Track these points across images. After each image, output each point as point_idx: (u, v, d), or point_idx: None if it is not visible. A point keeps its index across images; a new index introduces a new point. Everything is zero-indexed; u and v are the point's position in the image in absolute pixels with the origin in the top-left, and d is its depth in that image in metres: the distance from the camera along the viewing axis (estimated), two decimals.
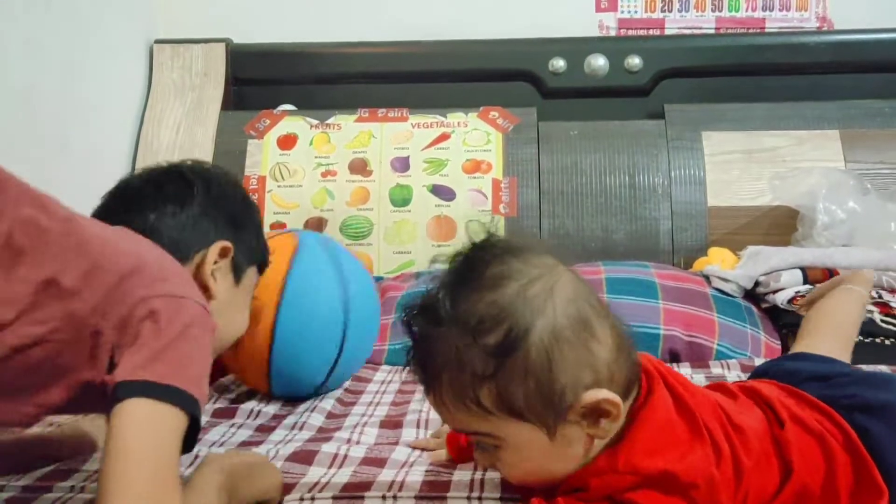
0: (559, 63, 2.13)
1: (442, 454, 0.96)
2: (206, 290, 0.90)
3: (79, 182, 1.83)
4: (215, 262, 0.92)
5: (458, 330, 0.65)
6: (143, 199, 0.91)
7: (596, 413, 0.67)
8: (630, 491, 0.66)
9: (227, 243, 0.93)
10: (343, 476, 0.93)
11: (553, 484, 0.70)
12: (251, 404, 1.26)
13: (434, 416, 1.04)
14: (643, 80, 2.13)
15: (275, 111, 2.13)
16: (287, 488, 0.89)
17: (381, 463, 0.98)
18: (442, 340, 0.66)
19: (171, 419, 0.68)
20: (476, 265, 0.67)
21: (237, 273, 0.96)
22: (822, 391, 0.81)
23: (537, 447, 0.67)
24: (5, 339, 0.68)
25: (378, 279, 1.89)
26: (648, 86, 2.14)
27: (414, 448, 1.03)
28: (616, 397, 0.66)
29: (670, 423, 0.69)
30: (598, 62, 2.13)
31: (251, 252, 0.99)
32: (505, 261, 0.67)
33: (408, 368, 0.70)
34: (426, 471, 0.93)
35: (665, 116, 2.07)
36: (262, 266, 1.03)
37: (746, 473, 0.70)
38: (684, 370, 1.44)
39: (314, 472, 0.95)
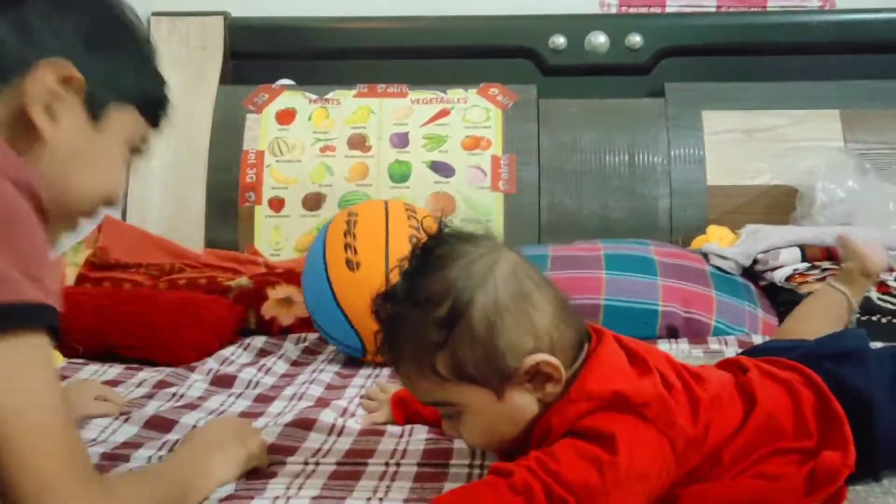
0: (559, 40, 2.12)
1: (378, 417, 1.03)
2: (30, 128, 0.66)
3: None
4: (52, 94, 0.66)
5: (413, 307, 0.74)
6: None
7: (540, 376, 0.73)
8: (585, 417, 0.70)
9: (66, 63, 0.66)
10: (344, 444, 0.94)
11: (508, 447, 0.76)
12: (250, 373, 1.27)
13: None
14: (644, 58, 2.12)
15: (273, 86, 2.12)
16: (288, 450, 0.89)
17: (380, 433, 0.98)
18: (401, 319, 0.75)
19: (36, 352, 0.57)
20: (428, 251, 0.76)
21: (94, 110, 0.70)
22: (791, 355, 0.85)
23: (490, 409, 0.74)
24: None
25: None
26: (649, 64, 2.13)
27: (364, 396, 1.10)
28: (555, 360, 0.73)
29: (620, 362, 0.75)
30: (599, 39, 2.12)
31: (126, 86, 0.72)
32: (452, 244, 0.76)
33: (379, 352, 0.78)
34: (426, 439, 0.94)
35: (665, 95, 2.06)
36: (149, 111, 0.76)
37: (703, 405, 0.74)
38: (682, 346, 1.45)
39: (314, 438, 0.95)
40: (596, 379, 0.72)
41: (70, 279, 1.67)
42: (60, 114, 0.67)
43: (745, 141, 1.99)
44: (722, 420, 0.74)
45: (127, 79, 0.72)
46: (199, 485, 0.76)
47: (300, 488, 0.80)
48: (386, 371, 1.32)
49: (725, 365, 0.85)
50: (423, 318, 0.73)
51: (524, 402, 0.74)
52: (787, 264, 1.62)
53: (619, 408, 0.70)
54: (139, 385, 1.19)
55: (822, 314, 1.16)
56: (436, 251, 0.76)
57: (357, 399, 1.12)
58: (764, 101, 2.02)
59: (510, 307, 0.72)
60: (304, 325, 1.58)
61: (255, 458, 0.84)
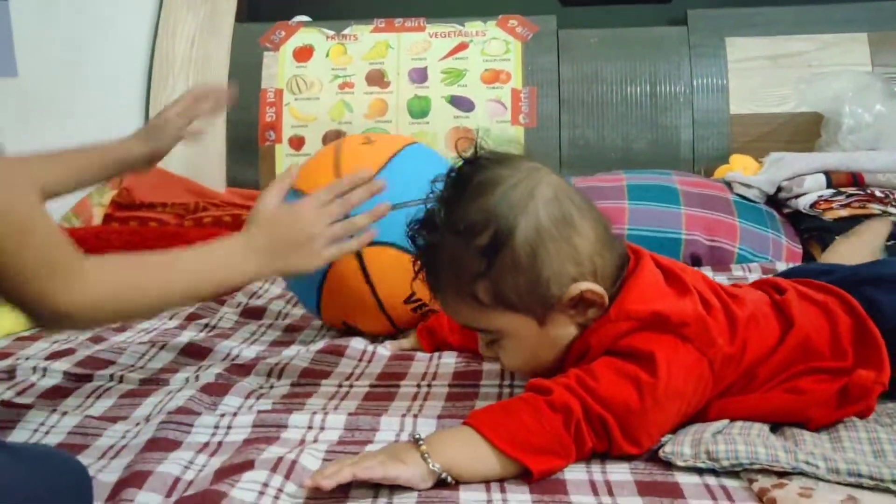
0: None
1: (404, 344, 1.04)
2: None
3: (95, 96, 1.83)
4: None
5: (452, 235, 0.72)
6: None
7: (583, 303, 0.72)
8: (625, 337, 0.70)
9: None
10: (376, 367, 0.96)
11: (546, 371, 0.75)
12: (279, 304, 1.29)
13: None
14: None
15: (290, 22, 2.09)
16: (322, 374, 0.92)
17: (410, 357, 1.00)
18: (440, 247, 0.73)
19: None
20: (465, 177, 0.73)
21: None
22: (829, 278, 0.84)
23: (531, 335, 0.73)
24: None
25: None
26: None
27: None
28: (599, 288, 0.71)
29: (658, 283, 0.74)
30: None
31: None
32: (490, 169, 0.72)
33: (417, 278, 0.76)
34: (456, 362, 0.96)
35: (688, 22, 2.02)
36: None
37: (741, 323, 0.74)
38: (706, 273, 1.45)
39: (346, 364, 0.97)
40: (636, 299, 0.71)
41: (97, 219, 1.69)
42: None
43: (770, 67, 1.95)
44: (758, 339, 0.74)
45: None
46: (220, 276, 0.80)
47: (336, 408, 0.82)
48: None
49: (761, 285, 0.85)
50: (463, 246, 0.71)
51: (565, 327, 0.73)
52: (811, 191, 1.60)
53: (659, 327, 0.69)
54: (171, 318, 1.21)
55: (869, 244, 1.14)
56: (474, 177, 0.72)
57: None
58: (789, 25, 1.98)
59: (553, 233, 0.70)
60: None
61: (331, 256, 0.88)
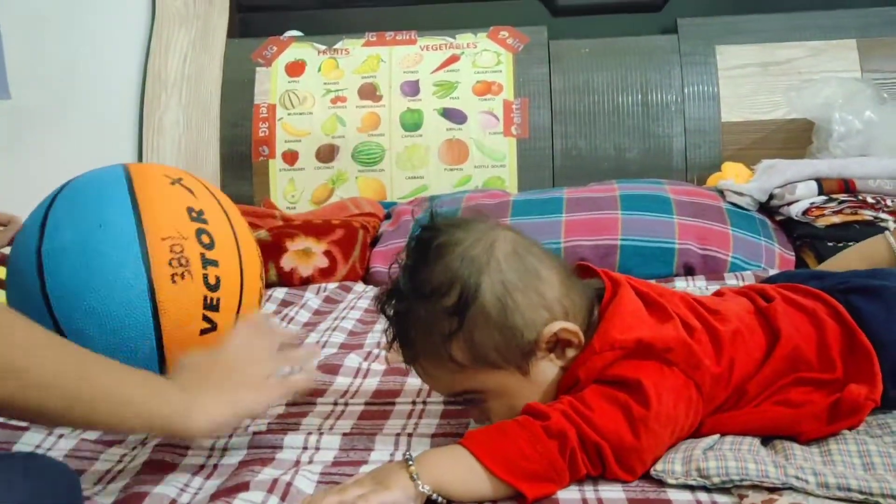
0: None
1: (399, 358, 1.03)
2: None
3: (88, 116, 1.84)
4: None
5: (420, 300, 0.73)
6: None
7: (559, 344, 0.74)
8: (611, 366, 0.71)
9: None
10: (371, 385, 0.96)
11: None
12: (274, 323, 1.29)
13: None
14: None
15: (281, 38, 2.10)
16: (317, 393, 0.92)
17: (404, 373, 1.00)
18: (409, 314, 0.74)
19: None
20: (425, 243, 0.75)
21: None
22: (818, 284, 0.84)
23: (517, 388, 0.74)
24: None
25: (391, 204, 1.90)
26: (661, 0, 2.10)
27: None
28: (572, 325, 0.73)
29: (639, 311, 0.75)
30: None
31: None
32: (447, 232, 0.75)
33: (390, 350, 0.78)
34: None
35: (678, 31, 2.03)
36: None
37: (725, 342, 0.74)
38: (699, 283, 1.46)
39: (341, 382, 0.98)
40: (618, 328, 0.72)
41: None
42: None
43: (761, 75, 1.97)
44: (745, 355, 0.74)
45: None
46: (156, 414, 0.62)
47: (331, 428, 0.83)
48: None
49: (747, 291, 0.84)
50: (432, 309, 0.72)
51: (547, 370, 0.74)
52: (803, 198, 1.61)
53: (644, 355, 0.70)
54: None
55: (861, 257, 1.13)
56: (433, 242, 0.74)
57: (381, 343, 1.15)
58: (779, 33, 1.99)
59: (518, 285, 0.72)
60: (323, 275, 1.60)
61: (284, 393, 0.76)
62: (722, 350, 0.73)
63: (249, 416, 0.76)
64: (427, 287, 0.73)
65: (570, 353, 0.74)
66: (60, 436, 0.83)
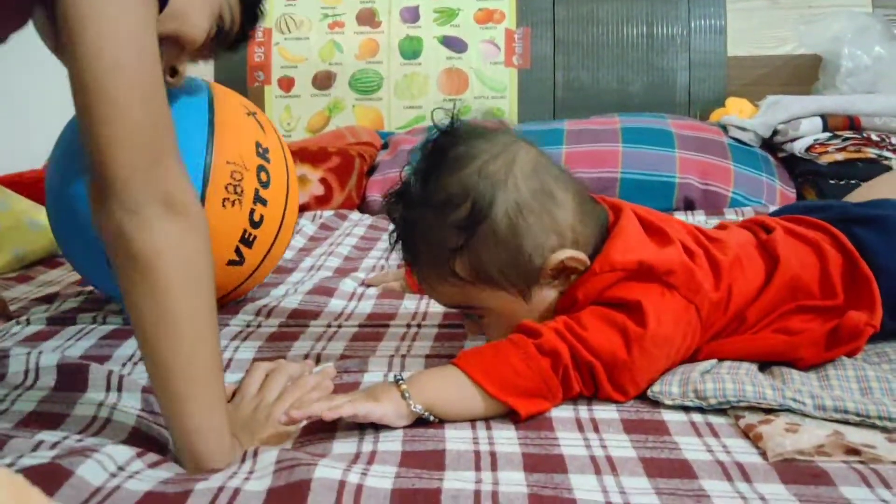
0: None
1: (396, 286, 1.03)
2: None
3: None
4: None
5: (429, 210, 0.70)
6: None
7: (565, 271, 0.71)
8: (611, 288, 0.69)
9: None
10: (365, 308, 0.96)
11: None
12: None
13: None
14: None
15: None
16: (311, 315, 0.91)
17: (399, 297, 1.00)
18: (417, 221, 0.71)
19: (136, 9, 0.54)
20: (442, 149, 0.72)
21: None
22: (821, 215, 0.83)
23: (514, 309, 0.72)
24: None
25: (389, 134, 1.87)
26: None
27: (368, 284, 1.06)
28: (580, 254, 0.70)
29: (640, 234, 0.73)
30: None
31: None
32: (467, 142, 0.71)
33: (393, 251, 0.75)
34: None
35: None
36: None
37: (724, 268, 0.73)
38: (699, 217, 1.45)
39: (336, 304, 0.97)
40: (619, 251, 0.70)
41: None
42: None
43: (770, 9, 1.92)
44: (743, 281, 0.74)
45: None
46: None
47: (324, 348, 0.82)
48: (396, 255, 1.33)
49: (749, 224, 0.84)
50: (441, 221, 0.69)
51: (547, 294, 0.72)
52: (807, 134, 1.59)
53: (644, 277, 0.69)
54: None
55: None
56: (451, 150, 0.71)
57: (377, 268, 1.14)
58: None
59: (532, 205, 0.69)
60: (319, 202, 1.58)
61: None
62: (721, 276, 0.73)
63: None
64: (439, 197, 0.70)
65: (574, 279, 0.72)
66: (40, 352, 0.82)
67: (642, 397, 0.67)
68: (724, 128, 1.68)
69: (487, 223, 0.68)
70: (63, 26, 0.52)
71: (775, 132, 1.64)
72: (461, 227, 0.69)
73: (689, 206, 1.52)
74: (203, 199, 0.86)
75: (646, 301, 0.67)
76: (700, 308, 0.69)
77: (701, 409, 0.64)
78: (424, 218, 0.71)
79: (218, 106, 0.91)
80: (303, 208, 1.57)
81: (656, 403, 0.66)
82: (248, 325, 0.90)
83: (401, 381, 0.64)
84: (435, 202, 0.70)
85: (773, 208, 1.48)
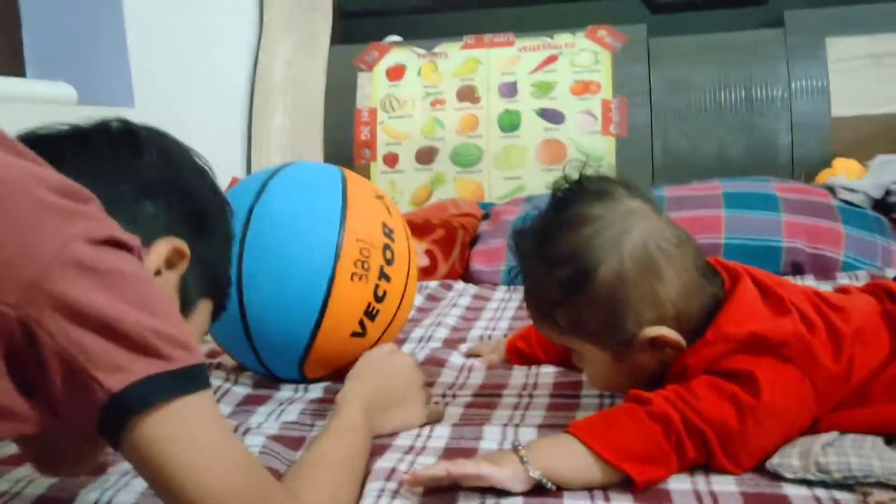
0: None
1: (495, 358, 1.05)
2: None
3: (201, 122, 1.94)
4: (158, 272, 0.60)
5: (539, 263, 0.76)
6: (60, 151, 0.59)
7: (659, 344, 0.73)
8: (723, 359, 0.69)
9: (182, 244, 0.62)
10: (476, 378, 0.98)
11: (642, 389, 0.74)
12: None
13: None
14: None
15: (382, 42, 2.16)
16: (427, 385, 0.95)
17: (508, 368, 1.02)
18: (529, 268, 0.77)
19: (203, 407, 0.53)
20: (564, 206, 0.76)
21: (186, 300, 0.64)
22: None
23: (609, 365, 0.76)
24: None
25: (489, 205, 1.92)
26: None
27: (469, 355, 1.09)
28: (674, 334, 0.72)
29: (756, 302, 0.73)
30: None
31: (211, 275, 0.67)
32: (589, 204, 0.74)
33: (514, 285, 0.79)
34: (555, 372, 0.97)
35: (784, 24, 1.97)
36: (218, 306, 0.70)
37: (846, 339, 0.72)
38: (809, 282, 1.42)
39: (448, 374, 1.00)
40: (733, 321, 0.71)
41: None
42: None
43: (874, 67, 1.88)
44: (866, 354, 0.71)
45: (216, 269, 0.68)
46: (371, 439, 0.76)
47: (440, 419, 0.85)
48: (512, 304, 1.36)
49: (874, 289, 0.81)
50: (547, 275, 0.74)
51: (643, 362, 0.74)
52: None
53: (758, 349, 0.69)
54: None
55: None
56: (570, 208, 0.75)
57: (484, 338, 1.17)
58: (894, 23, 1.90)
59: (634, 279, 0.71)
60: (425, 273, 1.64)
61: (432, 414, 0.84)
62: (842, 348, 0.71)
63: (405, 429, 0.82)
64: (549, 254, 0.74)
65: (669, 352, 0.73)
66: None
67: (761, 470, 0.67)
68: (832, 189, 1.64)
69: (588, 289, 0.72)
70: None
71: (888, 192, 1.59)
72: (562, 285, 0.73)
73: (797, 270, 1.48)
74: (333, 274, 0.93)
75: (759, 371, 0.67)
76: (817, 382, 0.69)
77: (825, 484, 0.63)
78: (534, 268, 0.76)
79: (350, 189, 0.99)
80: None
81: (777, 477, 0.65)
82: None
83: (519, 448, 0.66)
84: (545, 258, 0.75)
85: (889, 271, 1.44)
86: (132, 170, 0.62)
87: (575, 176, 0.77)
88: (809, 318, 0.72)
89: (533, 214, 0.79)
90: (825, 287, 1.34)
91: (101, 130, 0.63)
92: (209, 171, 0.69)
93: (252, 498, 0.53)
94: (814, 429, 0.70)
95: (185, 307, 0.64)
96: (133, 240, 0.54)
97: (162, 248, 0.60)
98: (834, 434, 0.68)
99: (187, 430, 0.51)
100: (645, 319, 0.72)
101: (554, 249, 0.74)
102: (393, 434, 0.80)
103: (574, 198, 0.75)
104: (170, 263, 0.61)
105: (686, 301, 0.72)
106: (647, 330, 0.72)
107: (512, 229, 0.80)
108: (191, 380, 0.52)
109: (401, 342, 1.20)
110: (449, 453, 0.76)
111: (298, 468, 0.65)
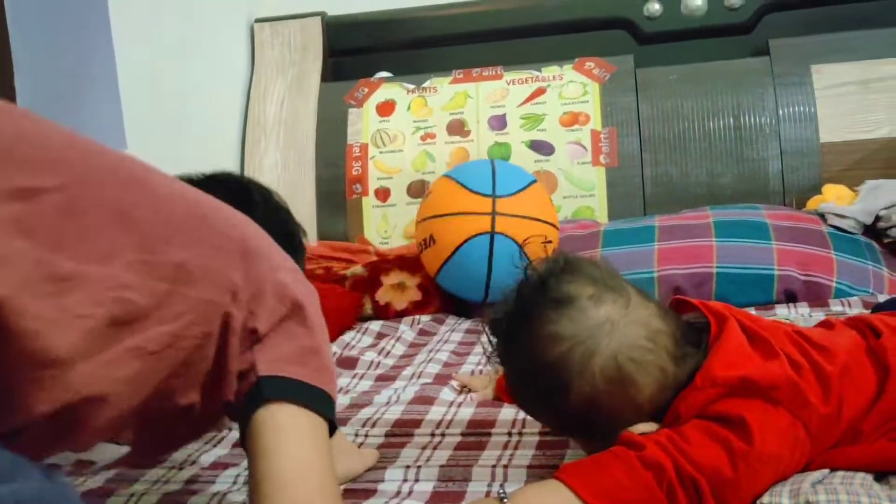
0: (655, 6, 2.08)
1: (488, 394, 1.05)
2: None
3: (194, 157, 1.94)
4: None
5: (513, 368, 0.77)
6: None
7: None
8: (713, 404, 0.69)
9: None
10: (465, 415, 0.98)
11: None
12: (371, 355, 1.33)
13: None
14: (745, 16, 2.05)
15: (372, 79, 2.18)
16: (414, 423, 0.94)
17: (498, 405, 1.01)
18: (506, 370, 0.79)
19: (324, 430, 0.60)
20: (529, 316, 0.73)
21: None
22: None
23: (596, 447, 0.73)
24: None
25: None
26: (751, 22, 2.06)
27: (461, 387, 1.09)
28: (652, 427, 0.71)
29: (743, 347, 0.73)
30: (696, 2, 2.06)
31: None
32: (555, 320, 0.72)
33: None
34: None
35: (770, 52, 1.99)
36: None
37: (833, 379, 0.71)
38: (802, 310, 1.41)
39: (437, 412, 0.99)
40: (721, 366, 0.70)
41: None
42: None
43: (861, 93, 1.89)
44: (854, 392, 0.72)
45: None
46: None
47: (429, 460, 0.84)
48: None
49: (858, 323, 0.81)
50: (523, 382, 0.76)
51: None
52: None
53: (748, 393, 0.68)
54: None
55: None
56: (535, 320, 0.72)
57: (475, 373, 1.16)
58: (879, 48, 1.91)
59: (607, 396, 0.71)
60: (417, 308, 1.63)
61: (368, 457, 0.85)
62: (830, 389, 0.71)
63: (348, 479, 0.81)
64: (520, 364, 0.75)
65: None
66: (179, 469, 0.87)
67: None
68: (822, 216, 1.64)
69: (562, 403, 0.72)
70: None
71: (878, 218, 1.59)
72: (539, 397, 0.74)
73: (790, 298, 1.48)
74: None
75: (750, 417, 0.66)
76: (808, 423, 0.68)
77: None
78: (511, 370, 0.77)
79: None
80: (401, 314, 1.62)
81: None
82: (356, 436, 0.93)
83: (504, 498, 0.65)
84: (518, 365, 0.75)
85: (881, 297, 1.43)
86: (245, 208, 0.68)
87: (539, 269, 0.75)
88: (796, 361, 0.72)
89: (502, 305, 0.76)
90: (818, 315, 1.34)
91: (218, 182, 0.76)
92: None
93: None
94: (805, 466, 0.70)
95: None
96: None
97: None
98: (824, 471, 0.67)
99: (303, 434, 0.58)
100: (623, 421, 0.72)
101: (523, 363, 0.74)
102: (377, 480, 0.79)
103: (537, 307, 0.73)
104: None
105: (663, 394, 0.72)
106: (627, 430, 0.71)
107: (487, 317, 0.79)
108: (324, 404, 0.60)
109: (392, 378, 1.20)
110: (436, 497, 0.75)
111: None
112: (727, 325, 0.74)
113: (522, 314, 0.74)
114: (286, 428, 0.57)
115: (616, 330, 0.71)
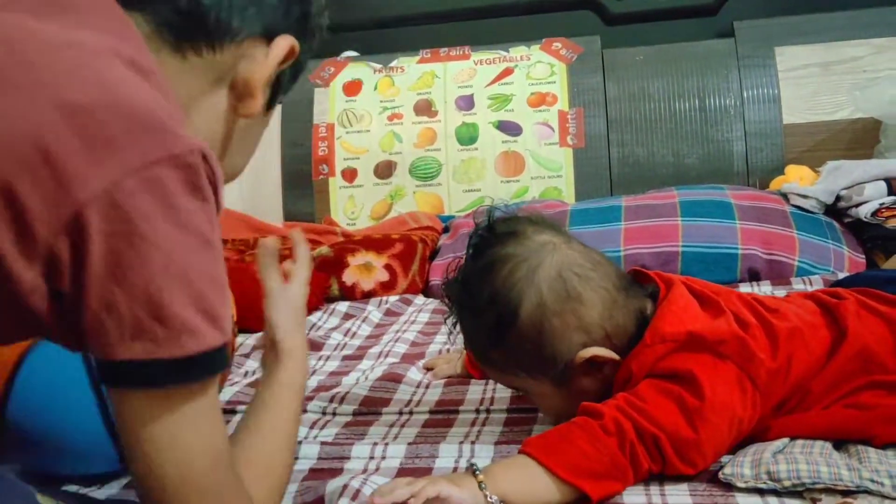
0: None
1: (457, 367, 1.05)
2: (241, 100, 0.59)
3: None
4: (277, 69, 0.60)
5: (466, 312, 0.79)
6: None
7: (595, 365, 0.75)
8: (663, 359, 0.71)
9: (297, 45, 0.60)
10: (433, 395, 0.97)
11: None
12: (337, 337, 1.32)
13: None
14: None
15: (338, 58, 2.15)
16: (382, 402, 0.94)
17: (466, 383, 1.01)
18: (460, 318, 0.80)
19: (207, 398, 0.51)
20: (479, 253, 0.78)
21: (275, 93, 0.63)
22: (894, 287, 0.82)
23: (555, 395, 0.78)
24: None
25: (449, 218, 1.92)
26: (716, 3, 2.07)
27: (427, 369, 1.09)
28: (606, 351, 0.74)
29: (691, 305, 0.76)
30: None
31: (298, 69, 0.65)
32: (500, 246, 0.76)
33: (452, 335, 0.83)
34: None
35: (735, 34, 2.00)
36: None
37: (782, 337, 0.74)
38: (765, 288, 1.43)
39: (405, 390, 0.99)
40: (669, 322, 0.73)
41: None
42: (261, 93, 0.59)
43: (823, 75, 1.92)
44: (804, 352, 0.74)
45: (297, 77, 0.66)
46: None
47: (396, 437, 0.84)
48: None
49: (818, 293, 0.84)
50: (475, 323, 0.78)
51: (585, 385, 0.76)
52: (872, 199, 1.56)
53: (695, 347, 0.71)
54: (235, 350, 1.25)
55: None
56: (483, 256, 0.77)
57: (442, 352, 1.16)
58: (841, 31, 1.94)
59: (556, 309, 0.73)
60: (384, 288, 1.63)
61: None
62: (778, 345, 0.73)
63: None
64: (471, 301, 0.77)
65: (608, 370, 0.75)
66: None
67: (714, 479, 0.67)
68: (785, 196, 1.67)
69: (514, 328, 0.74)
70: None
71: (839, 198, 1.62)
72: (492, 330, 0.75)
73: (754, 277, 1.50)
74: None
75: (699, 370, 0.69)
76: (755, 377, 0.70)
77: (776, 492, 0.63)
78: (463, 318, 0.79)
79: None
80: (368, 294, 1.61)
81: (729, 486, 0.65)
82: (323, 413, 0.92)
83: (477, 472, 0.65)
84: (470, 307, 0.77)
85: (842, 275, 1.45)
86: None
87: (485, 221, 0.79)
88: (744, 319, 0.75)
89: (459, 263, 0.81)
90: (780, 293, 1.36)
91: None
92: None
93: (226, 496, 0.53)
94: (764, 435, 0.71)
95: (274, 98, 0.63)
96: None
97: (283, 44, 0.59)
98: (784, 441, 0.68)
99: (182, 415, 0.50)
100: (575, 344, 0.74)
101: (475, 297, 0.76)
102: (344, 457, 0.79)
103: (486, 243, 0.78)
104: (282, 62, 0.59)
105: (612, 318, 0.75)
106: (580, 354, 0.74)
107: (442, 281, 0.83)
108: (194, 368, 0.49)
109: (359, 357, 1.19)
110: (403, 472, 0.75)
111: (252, 446, 0.61)
112: (674, 286, 0.77)
113: (474, 254, 0.78)
114: (149, 419, 0.50)
115: (559, 249, 0.76)
